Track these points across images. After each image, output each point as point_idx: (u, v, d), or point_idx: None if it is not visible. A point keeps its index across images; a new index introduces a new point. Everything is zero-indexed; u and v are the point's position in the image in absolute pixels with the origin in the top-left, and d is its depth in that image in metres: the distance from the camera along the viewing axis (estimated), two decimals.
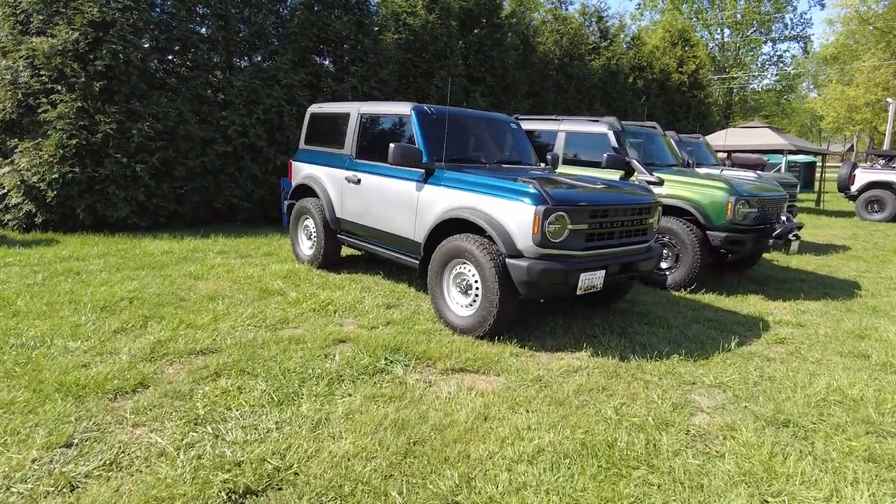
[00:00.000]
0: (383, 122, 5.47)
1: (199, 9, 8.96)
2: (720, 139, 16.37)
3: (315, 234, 6.22)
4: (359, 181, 5.63)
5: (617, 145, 6.90)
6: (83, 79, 7.54)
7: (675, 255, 6.28)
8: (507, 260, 4.07)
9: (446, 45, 12.06)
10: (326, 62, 10.58)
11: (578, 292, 4.10)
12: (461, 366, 3.86)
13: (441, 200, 4.67)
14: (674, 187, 6.43)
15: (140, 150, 8.01)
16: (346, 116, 5.93)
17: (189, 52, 8.82)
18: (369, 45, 10.51)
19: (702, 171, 8.01)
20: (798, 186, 10.06)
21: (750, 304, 5.96)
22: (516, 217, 4.09)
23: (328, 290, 5.50)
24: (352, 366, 3.75)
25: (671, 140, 8.13)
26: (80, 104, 7.58)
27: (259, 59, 9.57)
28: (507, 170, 5.05)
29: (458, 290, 4.53)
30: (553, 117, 7.91)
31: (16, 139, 7.72)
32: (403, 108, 5.23)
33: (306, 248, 6.47)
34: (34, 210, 7.71)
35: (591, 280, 4.15)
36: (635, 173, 6.73)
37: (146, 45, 8.29)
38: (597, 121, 7.29)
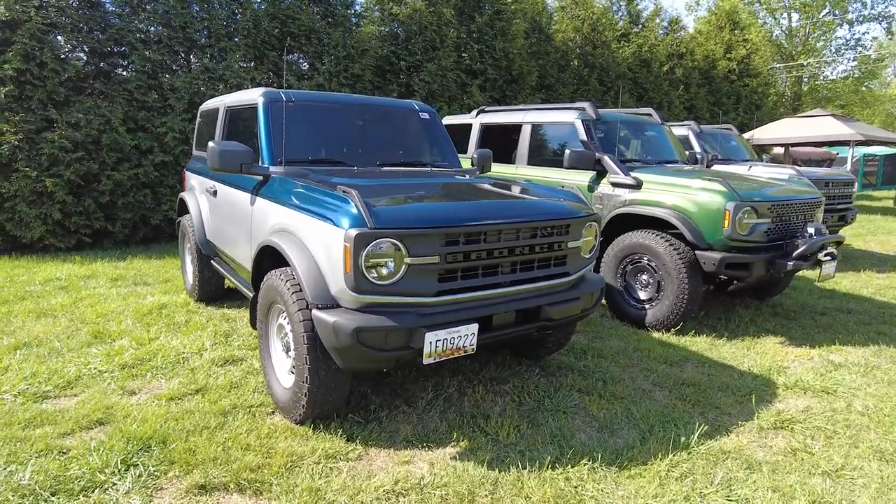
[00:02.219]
0: (243, 115, 4.18)
1: (145, 5, 8.03)
2: (775, 131, 14.11)
3: (192, 259, 5.01)
4: (215, 192, 4.38)
5: (586, 138, 5.30)
6: None
7: (657, 284, 4.63)
8: (314, 312, 2.66)
9: (437, 34, 10.70)
10: (293, 58, 9.48)
11: (429, 360, 2.63)
12: (224, 480, 2.47)
13: (270, 218, 3.31)
14: (653, 191, 4.78)
15: (54, 162, 7.11)
16: (216, 112, 4.69)
17: (127, 53, 7.90)
18: (338, 38, 9.32)
19: (714, 169, 6.26)
20: (856, 185, 7.98)
21: (759, 353, 4.24)
22: (326, 246, 2.67)
23: (181, 335, 4.26)
24: (54, 479, 2.45)
25: (672, 131, 6.39)
26: None
27: (207, 58, 8.56)
28: (385, 174, 3.65)
29: (283, 347, 3.16)
30: (519, 107, 6.38)
31: None
32: (253, 96, 3.92)
33: (189, 274, 5.27)
34: None
35: (453, 341, 2.67)
36: (607, 174, 5.13)
37: (66, 46, 7.41)
38: (567, 108, 5.72)
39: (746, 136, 14.47)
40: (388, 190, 3.11)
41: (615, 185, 5.05)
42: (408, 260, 2.59)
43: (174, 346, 4.02)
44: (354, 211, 2.58)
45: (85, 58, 7.68)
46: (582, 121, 5.40)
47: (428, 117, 4.46)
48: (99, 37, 7.61)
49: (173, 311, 4.83)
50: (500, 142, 6.35)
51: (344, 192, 2.70)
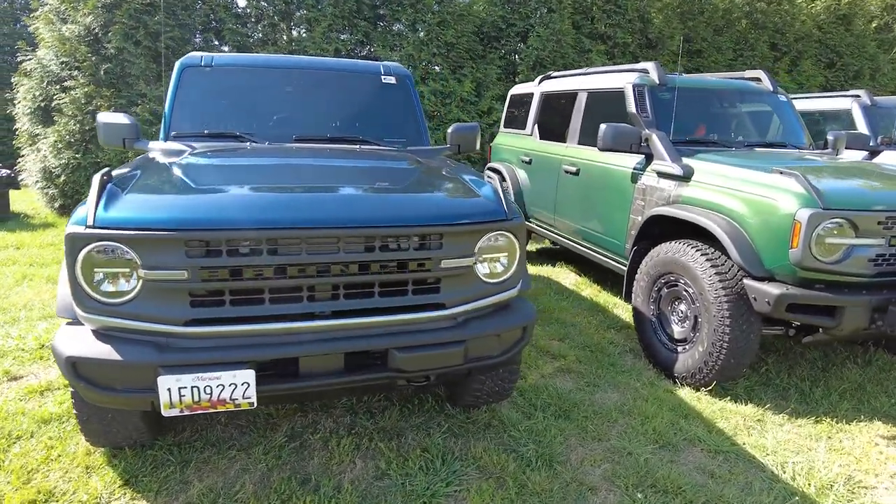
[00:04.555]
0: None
1: None
2: None
3: None
4: None
5: (634, 109, 3.94)
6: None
7: (694, 318, 3.23)
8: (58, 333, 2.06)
9: None
10: (384, 27, 8.97)
11: (171, 412, 1.89)
12: None
13: None
14: (704, 186, 3.33)
15: None
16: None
17: (219, 28, 8.08)
18: (431, 2, 8.57)
19: (844, 158, 4.40)
20: None
21: (835, 449, 2.70)
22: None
23: None
24: None
25: (791, 103, 4.55)
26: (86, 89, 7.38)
27: (300, 30, 8.44)
28: (285, 151, 2.91)
29: None
30: (580, 71, 5.08)
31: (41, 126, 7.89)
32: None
33: None
34: (54, 193, 7.84)
35: (210, 390, 1.89)
36: (654, 158, 3.74)
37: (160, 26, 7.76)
38: (628, 70, 4.35)
39: None
40: (217, 174, 2.39)
41: (661, 174, 3.66)
42: (142, 272, 1.86)
43: None
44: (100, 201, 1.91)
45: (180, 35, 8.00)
46: (634, 86, 4.02)
47: (394, 82, 3.57)
48: (184, 16, 7.83)
49: None
50: (559, 115, 5.15)
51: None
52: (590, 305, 4.60)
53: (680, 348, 3.32)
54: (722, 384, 3.23)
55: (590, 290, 4.98)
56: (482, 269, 2.25)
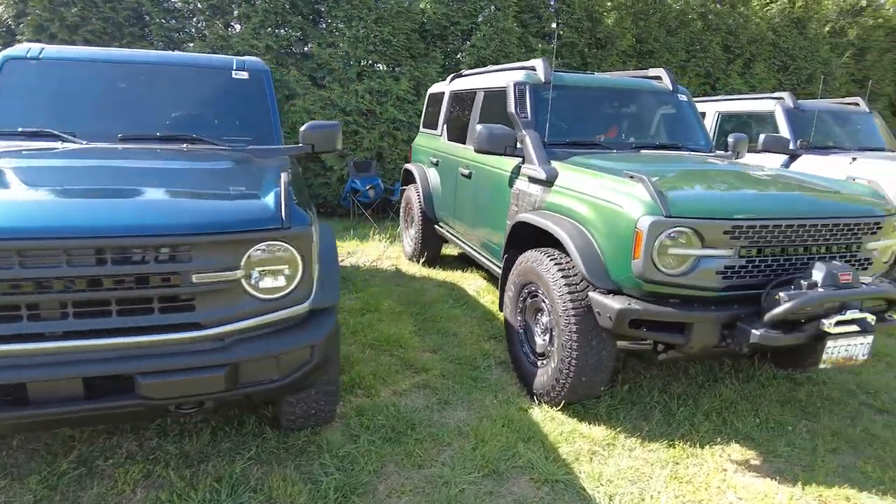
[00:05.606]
0: None
1: None
2: None
3: None
4: None
5: (514, 109, 3.74)
6: None
7: (550, 331, 3.04)
8: None
9: None
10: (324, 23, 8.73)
11: None
12: None
13: None
14: (563, 191, 3.14)
15: None
16: None
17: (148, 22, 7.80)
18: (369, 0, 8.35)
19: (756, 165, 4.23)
20: None
21: (679, 478, 2.51)
22: None
23: None
24: None
25: (692, 103, 4.37)
26: None
27: (229, 26, 8.18)
28: (104, 153, 2.68)
29: None
30: (485, 69, 4.87)
31: None
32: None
33: None
34: None
35: None
36: (525, 161, 3.55)
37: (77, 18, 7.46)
38: (518, 68, 4.14)
39: None
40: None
41: (531, 179, 3.46)
42: None
43: None
44: None
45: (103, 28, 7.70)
46: (515, 85, 3.82)
47: (246, 77, 3.34)
48: (107, 9, 7.54)
49: None
50: (463, 115, 4.95)
51: None
52: (483, 314, 4.40)
53: (540, 363, 3.12)
54: (583, 403, 3.04)
55: (491, 296, 4.78)
56: (261, 283, 2.03)
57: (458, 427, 2.81)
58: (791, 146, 5.53)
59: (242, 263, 1.97)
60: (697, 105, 7.21)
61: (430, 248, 5.62)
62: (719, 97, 7.47)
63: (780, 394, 3.35)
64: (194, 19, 8.29)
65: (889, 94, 12.06)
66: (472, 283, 5.20)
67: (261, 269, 2.02)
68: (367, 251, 6.25)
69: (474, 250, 4.51)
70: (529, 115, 3.68)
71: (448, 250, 6.15)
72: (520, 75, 3.91)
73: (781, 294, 2.51)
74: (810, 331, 2.53)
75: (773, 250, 2.65)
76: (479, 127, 3.56)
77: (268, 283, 2.04)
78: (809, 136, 5.53)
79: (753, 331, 2.50)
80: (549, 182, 3.24)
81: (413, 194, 5.63)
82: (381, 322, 4.10)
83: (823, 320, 2.50)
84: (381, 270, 5.55)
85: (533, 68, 3.95)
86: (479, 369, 3.45)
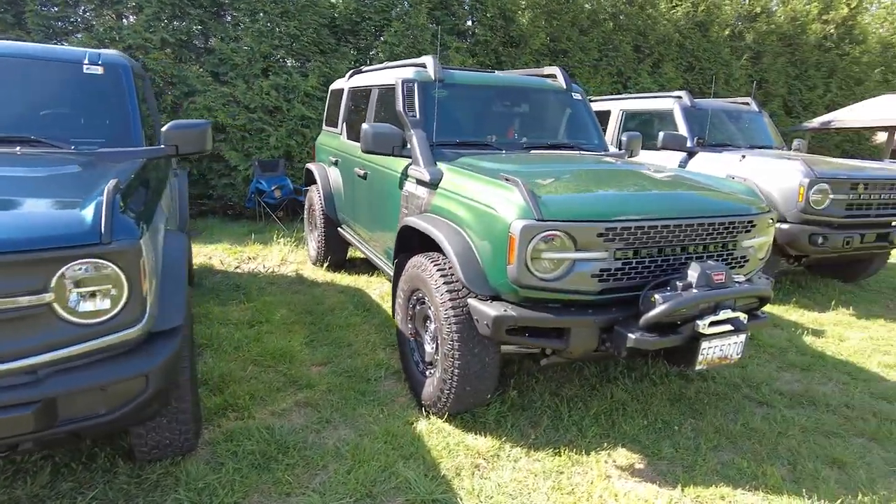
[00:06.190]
0: None
1: None
2: (877, 111, 10.91)
3: None
4: None
5: (402, 107, 3.59)
6: None
7: (436, 339, 2.92)
8: None
9: None
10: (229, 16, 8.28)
11: None
12: None
13: None
14: (446, 195, 3.03)
15: None
16: None
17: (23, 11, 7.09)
18: None
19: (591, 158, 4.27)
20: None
21: (565, 490, 2.45)
22: None
23: None
24: None
25: (586, 102, 4.38)
26: None
27: (118, 18, 7.58)
28: None
29: None
30: (382, 66, 4.70)
31: None
32: None
33: None
34: None
35: None
36: (412, 163, 3.41)
37: None
38: (407, 65, 3.99)
39: (825, 118, 11.43)
40: None
41: (418, 181, 3.33)
42: None
43: None
44: None
45: None
46: (403, 82, 3.67)
47: (100, 73, 3.01)
48: None
49: None
50: (359, 113, 4.75)
51: None
52: (383, 320, 4.23)
53: (428, 372, 3.00)
54: (472, 411, 2.95)
55: None
56: (80, 307, 1.77)
57: (335, 448, 2.64)
58: (689, 144, 5.70)
59: (53, 285, 1.71)
60: (603, 104, 7.38)
61: (334, 252, 5.40)
62: (623, 96, 7.64)
63: (671, 392, 3.39)
64: (80, 8, 7.64)
65: (783, 94, 12.81)
66: (377, 287, 5.02)
67: (79, 290, 1.77)
68: (270, 256, 5.94)
69: (373, 254, 4.34)
70: (418, 113, 3.54)
71: (356, 253, 5.95)
72: (409, 72, 3.77)
73: (657, 296, 2.49)
74: (686, 332, 2.53)
75: (649, 251, 2.63)
76: (364, 126, 3.39)
77: (88, 306, 1.79)
78: (705, 134, 5.72)
79: (630, 335, 2.47)
80: (433, 184, 3.11)
81: (315, 195, 5.38)
82: (271, 334, 3.85)
83: (698, 321, 2.51)
84: (282, 277, 5.28)
85: (423, 65, 3.82)
86: (370, 381, 3.29)
